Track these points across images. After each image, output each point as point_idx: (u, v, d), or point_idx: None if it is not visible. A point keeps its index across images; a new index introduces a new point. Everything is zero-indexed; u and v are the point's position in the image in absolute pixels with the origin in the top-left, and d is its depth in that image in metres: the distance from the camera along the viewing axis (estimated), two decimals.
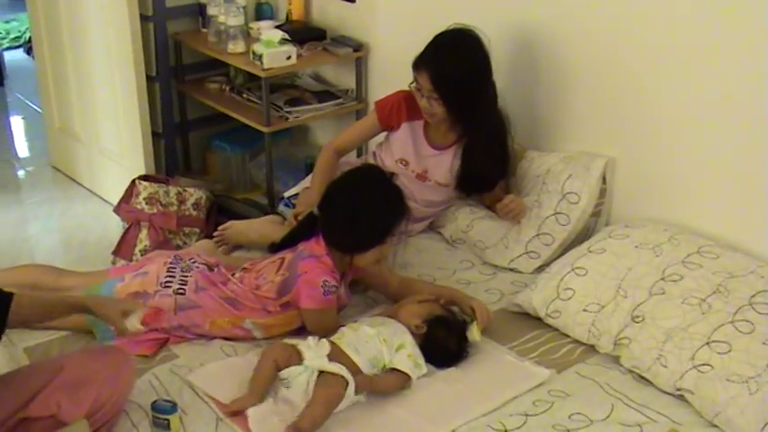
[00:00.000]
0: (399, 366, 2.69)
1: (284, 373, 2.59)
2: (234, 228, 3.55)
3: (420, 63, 3.26)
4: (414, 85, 3.30)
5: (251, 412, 2.50)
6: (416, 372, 2.72)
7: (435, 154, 3.44)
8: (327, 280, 2.80)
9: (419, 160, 3.44)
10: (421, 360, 2.75)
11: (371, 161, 3.52)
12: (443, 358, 2.81)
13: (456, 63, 3.23)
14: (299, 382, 2.57)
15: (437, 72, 3.21)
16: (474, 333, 2.86)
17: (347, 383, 2.57)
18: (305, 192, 3.58)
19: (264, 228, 3.50)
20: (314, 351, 2.64)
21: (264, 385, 2.60)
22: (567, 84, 3.48)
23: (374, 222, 2.83)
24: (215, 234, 3.56)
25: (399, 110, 3.43)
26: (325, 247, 2.85)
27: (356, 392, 2.60)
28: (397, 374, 2.69)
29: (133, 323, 2.50)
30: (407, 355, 2.71)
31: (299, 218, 3.20)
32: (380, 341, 2.71)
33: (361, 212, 2.81)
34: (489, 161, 3.40)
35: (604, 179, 3.35)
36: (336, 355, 2.65)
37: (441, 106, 3.26)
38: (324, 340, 2.70)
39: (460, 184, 3.49)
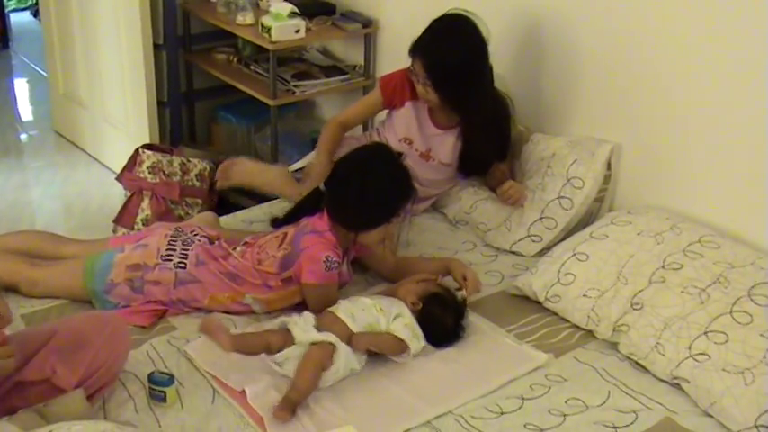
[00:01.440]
0: (396, 332, 2.70)
1: (279, 357, 2.60)
2: (242, 164, 3.50)
3: (415, 50, 3.25)
4: (411, 69, 3.29)
5: (249, 389, 2.51)
6: (415, 343, 2.72)
7: (439, 133, 3.43)
8: (330, 255, 2.81)
9: (423, 139, 3.43)
10: (419, 332, 2.75)
11: (375, 138, 3.50)
12: (440, 335, 2.82)
13: (450, 51, 3.22)
14: (294, 357, 2.59)
15: (431, 59, 3.21)
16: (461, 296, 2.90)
17: (335, 348, 2.58)
18: (309, 166, 3.57)
19: (272, 177, 3.47)
20: (301, 326, 2.65)
21: (249, 344, 2.63)
22: (575, 67, 3.46)
23: (381, 201, 2.83)
24: (220, 165, 3.50)
25: (403, 88, 3.42)
26: (329, 224, 2.86)
27: (354, 350, 2.62)
28: (394, 337, 2.70)
29: None
30: (404, 324, 2.72)
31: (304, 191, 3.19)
32: (377, 310, 2.73)
33: (369, 191, 2.81)
34: (485, 144, 3.41)
35: (609, 165, 3.34)
36: (332, 322, 2.67)
37: (434, 93, 3.25)
38: (308, 313, 2.71)
39: (458, 166, 3.49)
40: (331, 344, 2.60)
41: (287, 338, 2.64)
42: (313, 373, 2.54)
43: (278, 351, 2.60)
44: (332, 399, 2.56)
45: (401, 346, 2.69)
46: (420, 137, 3.43)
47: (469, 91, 3.27)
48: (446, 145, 3.43)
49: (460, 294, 2.92)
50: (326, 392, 2.59)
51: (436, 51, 3.21)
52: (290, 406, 2.46)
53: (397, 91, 3.43)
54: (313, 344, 2.59)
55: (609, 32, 3.32)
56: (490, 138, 3.39)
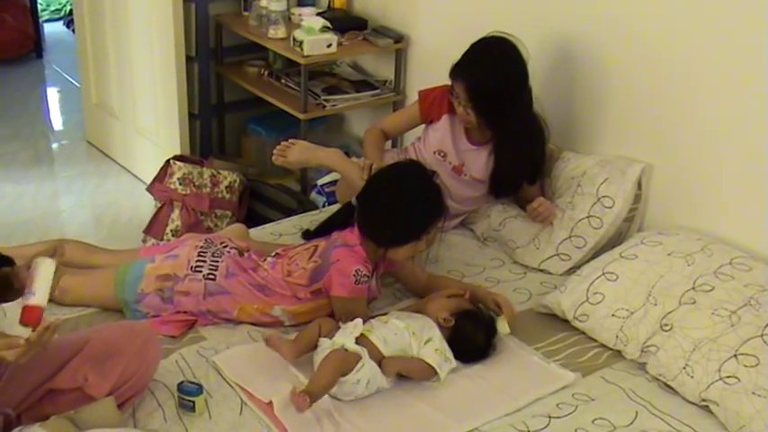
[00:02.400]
0: (426, 359, 2.70)
1: (320, 341, 2.67)
2: (301, 144, 3.48)
3: (456, 73, 3.25)
4: (452, 92, 3.29)
5: (276, 400, 2.52)
6: (445, 366, 2.72)
7: (472, 149, 3.43)
8: (360, 269, 2.81)
9: (457, 153, 3.43)
10: (450, 354, 2.76)
11: (411, 154, 3.51)
12: (470, 352, 2.83)
13: (491, 75, 3.22)
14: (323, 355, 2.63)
15: (472, 83, 3.21)
16: (503, 325, 2.87)
17: (359, 359, 2.60)
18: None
19: (331, 154, 3.45)
20: (343, 332, 2.69)
21: (305, 344, 2.71)
22: (606, 86, 3.46)
23: (412, 218, 2.83)
24: (281, 144, 3.48)
25: (441, 102, 3.42)
26: (360, 238, 2.86)
27: (384, 374, 2.63)
28: (425, 363, 2.70)
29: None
30: (435, 350, 2.72)
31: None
32: (410, 334, 2.73)
33: (400, 208, 2.82)
34: (516, 165, 3.40)
35: (640, 185, 3.33)
36: (365, 345, 2.67)
37: (474, 115, 3.26)
38: (359, 324, 2.72)
39: (489, 187, 3.49)
40: (357, 354, 2.61)
41: (336, 329, 2.72)
42: (333, 372, 2.55)
43: (327, 335, 2.69)
44: (357, 412, 2.57)
45: (430, 373, 2.69)
46: (454, 150, 3.43)
47: (509, 114, 3.28)
48: (479, 160, 3.43)
49: (499, 322, 2.91)
50: (352, 405, 2.59)
51: (478, 75, 3.21)
52: (308, 396, 2.47)
53: (435, 105, 3.44)
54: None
55: (641, 52, 3.31)
56: (522, 159, 3.39)
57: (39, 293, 2.12)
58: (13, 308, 2.30)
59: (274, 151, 3.45)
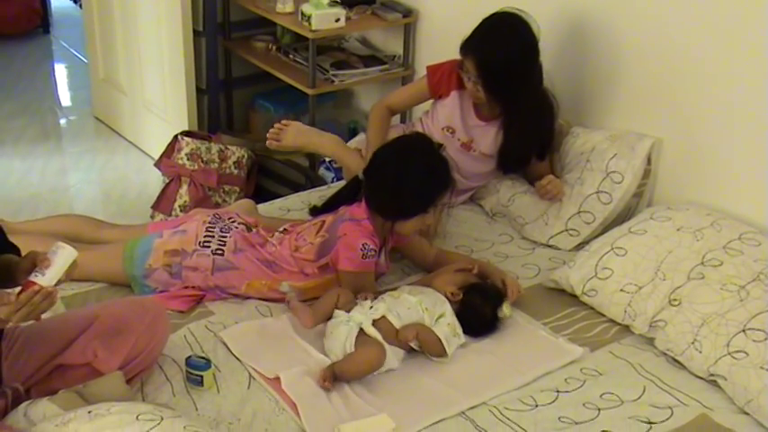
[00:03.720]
0: (439, 335, 2.70)
1: (336, 313, 2.70)
2: (295, 126, 3.48)
3: (467, 48, 3.23)
4: (462, 66, 3.27)
5: (284, 375, 2.53)
6: (454, 341, 2.73)
7: (481, 125, 3.42)
8: (367, 243, 2.81)
9: (465, 129, 3.42)
10: (459, 330, 2.77)
11: (418, 128, 3.50)
12: (478, 326, 2.83)
13: (502, 50, 3.20)
14: (339, 333, 2.64)
15: (483, 58, 3.19)
16: (504, 309, 2.87)
17: (384, 354, 2.61)
18: (362, 144, 3.56)
19: (327, 141, 3.44)
20: (360, 310, 2.70)
21: (323, 312, 2.75)
22: (616, 61, 3.44)
23: (419, 191, 2.83)
24: (274, 127, 3.47)
25: (450, 77, 3.40)
26: (367, 212, 2.86)
27: (402, 339, 2.66)
28: (439, 338, 2.71)
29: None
30: (447, 324, 2.73)
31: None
32: (422, 309, 2.73)
33: (407, 180, 2.81)
34: (525, 141, 3.39)
35: (649, 160, 3.31)
36: (380, 325, 2.68)
37: (484, 90, 3.25)
38: (377, 308, 2.71)
39: (497, 162, 3.48)
40: (383, 348, 2.62)
41: (351, 302, 2.75)
42: (365, 368, 2.59)
43: (341, 308, 2.71)
44: (367, 388, 2.58)
45: (442, 349, 2.70)
46: (462, 127, 3.42)
47: (519, 90, 3.26)
48: (488, 136, 3.42)
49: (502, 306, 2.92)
50: (362, 380, 2.60)
51: (488, 51, 3.20)
52: (331, 374, 2.53)
53: (444, 81, 3.42)
54: (364, 333, 2.64)
55: (651, 27, 3.29)
56: (531, 135, 3.38)
57: (48, 275, 2.10)
58: None
59: (267, 135, 3.43)
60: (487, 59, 3.19)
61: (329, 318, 2.73)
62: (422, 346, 2.69)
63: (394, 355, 2.66)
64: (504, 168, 3.52)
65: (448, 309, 2.78)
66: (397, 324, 2.68)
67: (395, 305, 2.72)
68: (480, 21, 3.25)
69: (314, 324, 2.74)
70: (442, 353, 2.69)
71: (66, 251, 2.14)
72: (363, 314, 2.68)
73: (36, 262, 2.11)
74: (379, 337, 2.63)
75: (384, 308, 2.70)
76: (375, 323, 2.66)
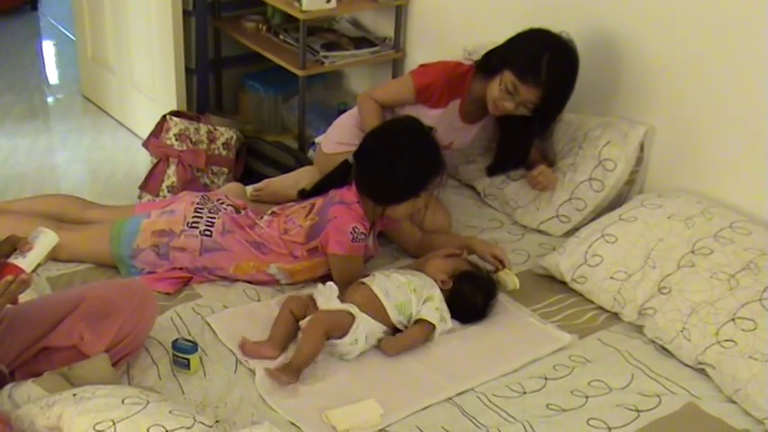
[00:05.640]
0: (426, 317, 2.70)
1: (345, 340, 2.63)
2: (270, 187, 3.45)
3: (534, 79, 3.07)
4: (504, 86, 3.12)
5: (258, 370, 2.51)
6: (441, 326, 2.73)
7: (464, 127, 3.39)
8: (357, 227, 2.80)
9: (448, 132, 3.31)
10: (447, 315, 2.77)
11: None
12: (469, 313, 2.83)
13: (568, 91, 3.17)
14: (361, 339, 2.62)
15: (548, 97, 3.11)
16: (512, 280, 2.91)
17: (353, 319, 2.59)
18: None
19: (302, 179, 3.42)
20: (324, 297, 2.68)
21: (283, 335, 2.63)
22: (609, 48, 3.42)
23: (410, 175, 2.81)
24: (253, 193, 3.44)
25: (441, 95, 3.26)
26: (357, 196, 2.85)
27: (386, 354, 2.64)
28: (421, 326, 2.70)
29: None
30: (435, 308, 2.73)
31: None
32: (410, 290, 2.72)
33: (398, 164, 2.79)
34: (517, 153, 3.41)
35: (642, 147, 3.30)
36: (365, 296, 2.68)
37: (528, 112, 3.17)
38: (332, 284, 2.71)
39: (488, 171, 3.51)
40: (350, 314, 2.60)
41: (308, 305, 2.68)
42: (314, 340, 2.54)
43: (303, 317, 2.63)
44: (355, 373, 2.57)
45: (428, 335, 2.70)
46: (445, 131, 3.26)
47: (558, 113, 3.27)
48: (468, 135, 3.42)
49: (507, 278, 2.94)
50: (349, 366, 2.59)
51: (562, 91, 3.15)
52: (290, 370, 2.46)
53: (434, 95, 3.27)
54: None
55: (644, 14, 3.27)
56: (524, 146, 3.39)
57: (28, 258, 2.09)
58: None
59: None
60: (553, 98, 3.13)
61: (294, 335, 2.65)
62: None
63: (380, 327, 2.66)
64: (505, 167, 3.51)
65: (436, 293, 2.78)
66: (384, 301, 2.68)
67: (384, 281, 2.72)
68: (537, 38, 3.15)
69: (281, 352, 2.60)
70: (428, 339, 2.71)
71: (49, 236, 2.15)
72: (327, 300, 2.67)
73: (16, 246, 2.10)
74: (351, 307, 2.62)
75: (373, 280, 2.71)
76: (353, 298, 2.67)
